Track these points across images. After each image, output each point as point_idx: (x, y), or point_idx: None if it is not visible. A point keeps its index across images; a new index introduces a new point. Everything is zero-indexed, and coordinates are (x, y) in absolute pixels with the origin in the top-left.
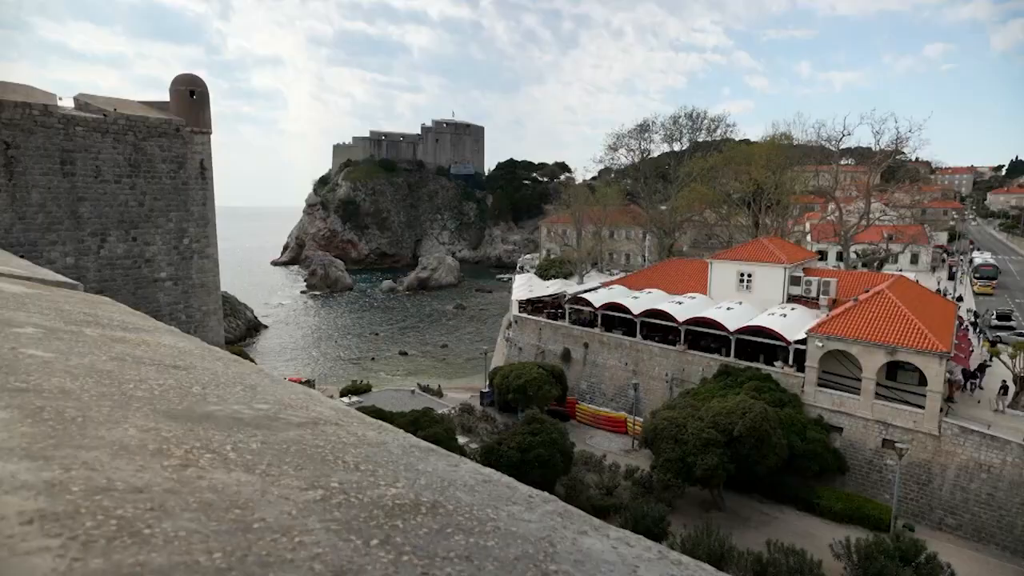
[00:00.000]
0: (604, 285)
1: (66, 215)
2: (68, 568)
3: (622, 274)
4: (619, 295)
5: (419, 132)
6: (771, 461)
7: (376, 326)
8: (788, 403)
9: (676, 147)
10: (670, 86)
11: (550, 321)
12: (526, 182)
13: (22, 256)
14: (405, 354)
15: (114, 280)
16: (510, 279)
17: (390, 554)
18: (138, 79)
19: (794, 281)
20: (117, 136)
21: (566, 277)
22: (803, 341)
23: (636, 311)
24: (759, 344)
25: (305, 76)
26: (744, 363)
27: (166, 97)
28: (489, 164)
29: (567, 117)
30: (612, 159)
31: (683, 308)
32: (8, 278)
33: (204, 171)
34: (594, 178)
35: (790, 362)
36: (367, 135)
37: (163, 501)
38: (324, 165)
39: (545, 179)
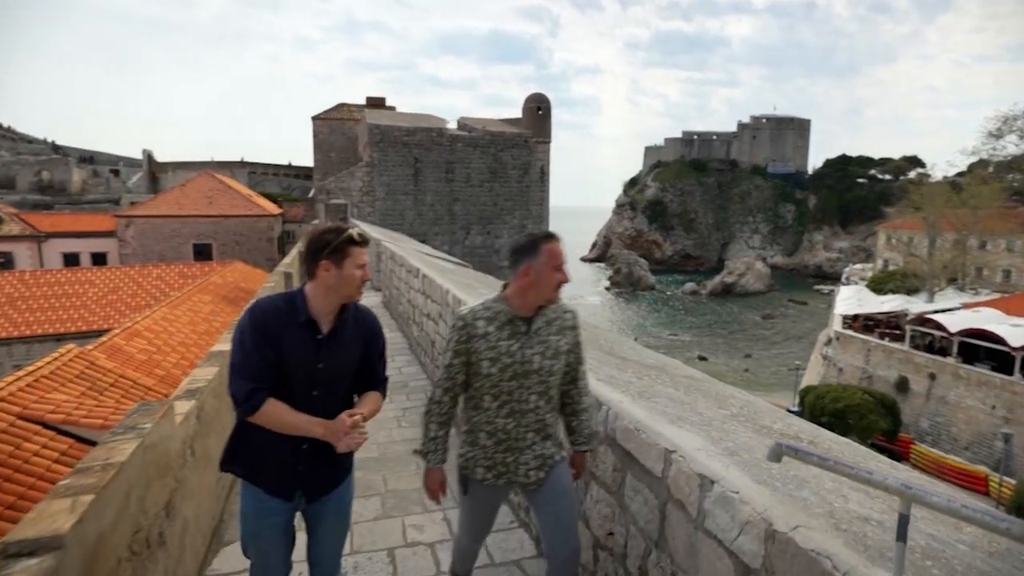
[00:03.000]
0: (966, 307)
1: (445, 212)
2: (638, 396)
3: (995, 295)
4: (988, 320)
5: (734, 130)
6: None
7: (676, 327)
8: None
9: None
10: None
11: (883, 342)
12: (860, 180)
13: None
14: (704, 359)
15: (472, 266)
16: (831, 291)
17: (791, 452)
18: (482, 98)
19: None
20: (483, 149)
21: (909, 293)
22: None
23: (1015, 343)
24: None
25: (620, 81)
26: None
27: (505, 113)
28: (815, 161)
29: (925, 99)
30: (993, 149)
31: None
32: (444, 259)
33: (543, 175)
34: (960, 174)
35: None
36: (679, 136)
37: (649, 387)
38: (633, 167)
39: (887, 176)
